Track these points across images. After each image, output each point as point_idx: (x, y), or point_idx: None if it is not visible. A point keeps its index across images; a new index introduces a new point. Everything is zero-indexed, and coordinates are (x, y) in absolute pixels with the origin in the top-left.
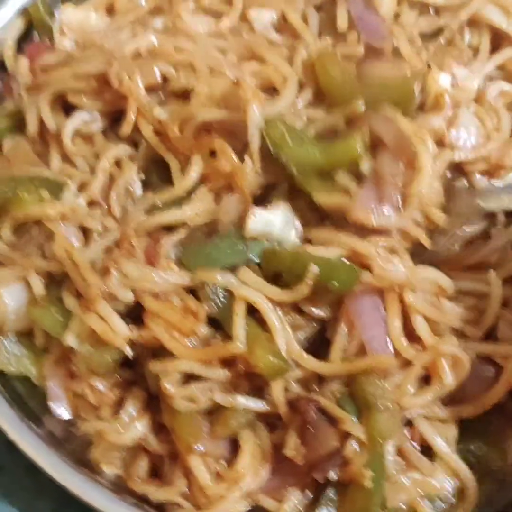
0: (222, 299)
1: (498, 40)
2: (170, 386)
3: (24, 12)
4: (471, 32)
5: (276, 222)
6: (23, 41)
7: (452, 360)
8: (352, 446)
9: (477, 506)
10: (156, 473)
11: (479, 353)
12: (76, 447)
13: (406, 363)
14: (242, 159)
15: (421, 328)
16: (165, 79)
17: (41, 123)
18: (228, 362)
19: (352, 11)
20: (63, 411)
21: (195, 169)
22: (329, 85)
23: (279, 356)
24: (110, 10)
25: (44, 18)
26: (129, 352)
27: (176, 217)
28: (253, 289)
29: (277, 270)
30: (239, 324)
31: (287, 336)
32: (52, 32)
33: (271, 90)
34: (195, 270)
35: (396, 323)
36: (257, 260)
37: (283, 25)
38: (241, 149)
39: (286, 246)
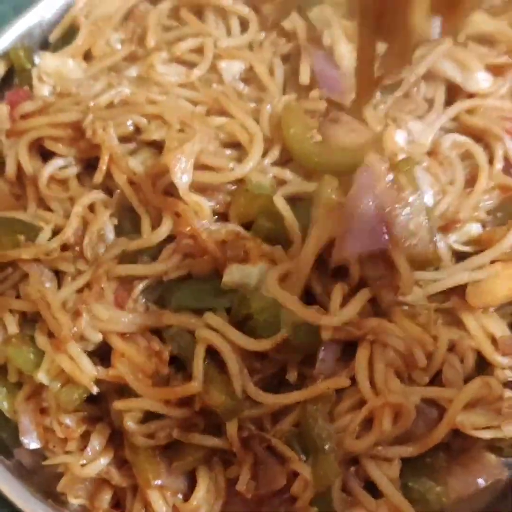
0: (184, 340)
1: (453, 92)
2: (131, 423)
3: (5, 56)
4: (427, 85)
5: (253, 274)
6: (4, 83)
7: (398, 408)
8: (299, 484)
9: None
10: (118, 505)
11: (425, 397)
12: (44, 478)
13: (359, 405)
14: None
15: (378, 377)
16: (138, 128)
17: (19, 167)
18: (187, 401)
19: (314, 65)
20: (33, 444)
21: (164, 229)
22: (292, 147)
23: (234, 398)
24: (88, 56)
25: (24, 63)
26: (95, 390)
27: (145, 271)
28: (218, 332)
29: (246, 315)
30: (199, 364)
31: (244, 379)
32: (31, 78)
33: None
34: (161, 312)
35: (365, 370)
36: (227, 305)
37: (250, 76)
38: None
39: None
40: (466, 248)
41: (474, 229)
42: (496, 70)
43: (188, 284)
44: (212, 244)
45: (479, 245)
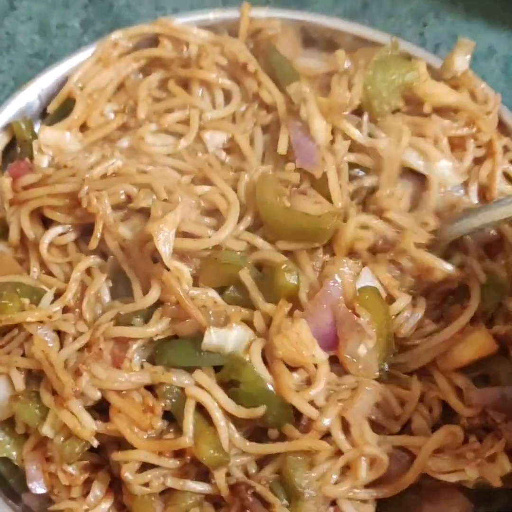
0: (176, 396)
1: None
2: (128, 474)
3: (7, 128)
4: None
5: (230, 338)
6: (5, 153)
7: (373, 459)
8: None
9: None
10: None
11: (396, 445)
12: None
13: (336, 454)
14: None
15: (354, 430)
16: (129, 196)
17: (22, 233)
18: (179, 452)
19: (292, 136)
20: (40, 489)
21: (153, 295)
22: (263, 210)
23: (220, 451)
24: (83, 126)
25: (25, 135)
26: (95, 443)
27: (138, 333)
28: (205, 389)
29: (233, 381)
30: (189, 420)
31: (229, 432)
32: (32, 148)
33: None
34: (154, 370)
35: (339, 427)
36: (212, 364)
37: (232, 145)
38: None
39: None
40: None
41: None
42: (458, 140)
43: (175, 344)
44: (195, 310)
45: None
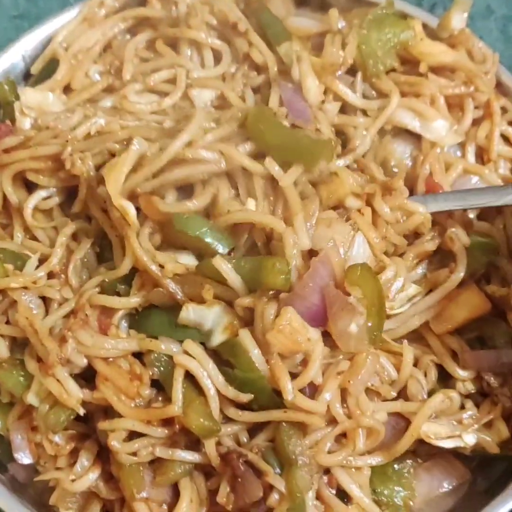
0: (164, 365)
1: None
2: (115, 442)
3: None
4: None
5: (209, 317)
6: None
7: (369, 428)
8: (274, 496)
9: None
10: None
11: (391, 411)
12: (36, 492)
13: (331, 421)
14: None
15: (351, 402)
16: (113, 155)
17: (5, 198)
18: (167, 420)
19: (283, 95)
20: (26, 460)
21: (127, 262)
22: (262, 128)
23: (210, 419)
24: (67, 88)
25: (8, 97)
26: (81, 411)
27: (121, 304)
28: (196, 359)
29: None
30: (177, 389)
31: (220, 401)
32: (14, 111)
33: None
34: (141, 338)
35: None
36: (192, 339)
37: (222, 103)
38: None
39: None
40: (406, 306)
41: (411, 290)
42: (455, 100)
43: (152, 314)
44: (163, 279)
45: (426, 286)
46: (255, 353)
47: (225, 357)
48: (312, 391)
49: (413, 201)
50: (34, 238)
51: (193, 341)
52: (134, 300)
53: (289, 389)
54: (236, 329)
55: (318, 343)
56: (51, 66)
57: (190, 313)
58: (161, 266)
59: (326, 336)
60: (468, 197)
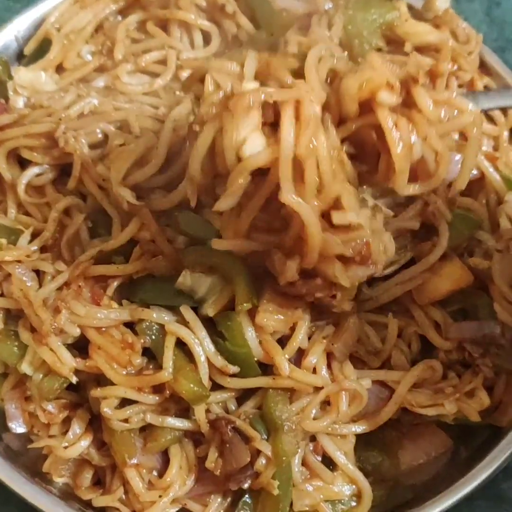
0: (155, 333)
1: None
2: (108, 409)
3: None
4: None
5: (204, 284)
6: None
7: (353, 393)
8: (262, 461)
9: (372, 508)
10: (99, 482)
11: (375, 379)
12: (30, 460)
13: (317, 389)
14: None
15: (336, 366)
16: (106, 135)
17: None
18: (158, 388)
19: None
20: (20, 429)
21: (128, 230)
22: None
23: (200, 385)
24: (59, 68)
25: (2, 76)
26: (74, 379)
27: (117, 271)
28: (189, 325)
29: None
30: (168, 356)
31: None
32: (8, 90)
33: None
34: (134, 307)
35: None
36: (187, 304)
37: None
38: None
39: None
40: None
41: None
42: None
43: (147, 281)
44: (169, 248)
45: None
46: (249, 331)
47: (219, 328)
48: (299, 356)
49: (461, 97)
50: (27, 213)
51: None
52: (132, 266)
53: (285, 366)
54: (227, 301)
55: (305, 312)
56: (44, 46)
57: (187, 278)
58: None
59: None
60: None
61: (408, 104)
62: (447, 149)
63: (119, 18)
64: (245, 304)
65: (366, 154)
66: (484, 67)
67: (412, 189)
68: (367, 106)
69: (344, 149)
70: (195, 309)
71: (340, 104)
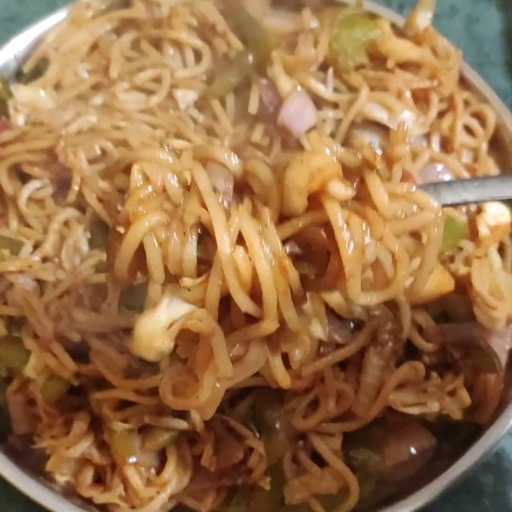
0: None
1: None
2: (108, 411)
3: None
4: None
5: None
6: None
7: (340, 392)
8: (255, 458)
9: (359, 502)
10: (99, 480)
11: None
12: (34, 459)
13: (306, 390)
14: None
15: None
16: (105, 151)
17: (1, 188)
18: (156, 390)
19: (263, 97)
20: (23, 430)
21: None
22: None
23: None
24: (57, 86)
25: (2, 94)
26: (76, 382)
27: None
28: None
29: None
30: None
31: None
32: (8, 107)
33: None
34: (131, 314)
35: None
36: None
37: (204, 104)
38: None
39: None
40: None
41: None
42: (421, 93)
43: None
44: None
45: None
46: None
47: None
48: None
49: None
50: (28, 226)
51: None
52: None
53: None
54: None
55: None
56: (42, 65)
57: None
58: None
59: None
60: (488, 184)
61: (360, 197)
62: (405, 251)
63: (114, 37)
64: None
65: (314, 255)
66: (463, 82)
67: (370, 299)
68: (314, 200)
69: (287, 250)
70: None
71: (283, 197)
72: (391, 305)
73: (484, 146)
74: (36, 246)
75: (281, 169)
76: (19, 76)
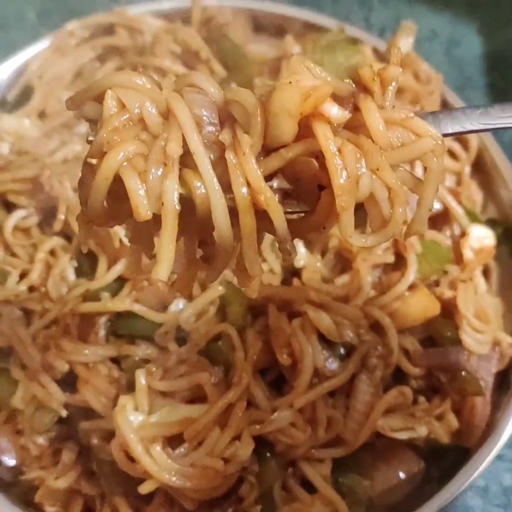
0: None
1: None
2: (96, 441)
3: None
4: None
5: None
6: None
7: (329, 418)
8: (246, 487)
9: None
10: (89, 511)
11: None
12: (22, 490)
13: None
14: None
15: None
16: None
17: None
18: None
19: None
20: (12, 462)
21: (117, 269)
22: None
23: None
24: (42, 114)
25: None
26: (64, 413)
27: (106, 308)
28: None
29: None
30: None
31: None
32: None
33: None
34: (119, 343)
35: None
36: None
37: None
38: None
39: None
40: None
41: None
42: None
43: (139, 316)
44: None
45: (381, 288)
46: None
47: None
48: None
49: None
50: (14, 255)
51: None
52: (119, 303)
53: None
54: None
55: None
56: (27, 94)
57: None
58: None
59: None
60: (492, 113)
61: (352, 127)
62: (402, 185)
63: (98, 64)
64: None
65: (304, 191)
66: (445, 106)
67: (365, 240)
68: (303, 128)
69: (274, 185)
70: (184, 340)
71: (270, 126)
72: (378, 329)
73: (467, 169)
74: (23, 275)
75: (266, 95)
76: (4, 104)
